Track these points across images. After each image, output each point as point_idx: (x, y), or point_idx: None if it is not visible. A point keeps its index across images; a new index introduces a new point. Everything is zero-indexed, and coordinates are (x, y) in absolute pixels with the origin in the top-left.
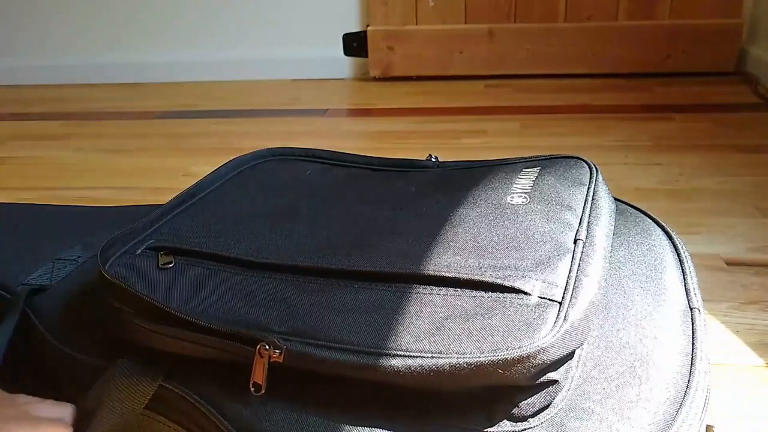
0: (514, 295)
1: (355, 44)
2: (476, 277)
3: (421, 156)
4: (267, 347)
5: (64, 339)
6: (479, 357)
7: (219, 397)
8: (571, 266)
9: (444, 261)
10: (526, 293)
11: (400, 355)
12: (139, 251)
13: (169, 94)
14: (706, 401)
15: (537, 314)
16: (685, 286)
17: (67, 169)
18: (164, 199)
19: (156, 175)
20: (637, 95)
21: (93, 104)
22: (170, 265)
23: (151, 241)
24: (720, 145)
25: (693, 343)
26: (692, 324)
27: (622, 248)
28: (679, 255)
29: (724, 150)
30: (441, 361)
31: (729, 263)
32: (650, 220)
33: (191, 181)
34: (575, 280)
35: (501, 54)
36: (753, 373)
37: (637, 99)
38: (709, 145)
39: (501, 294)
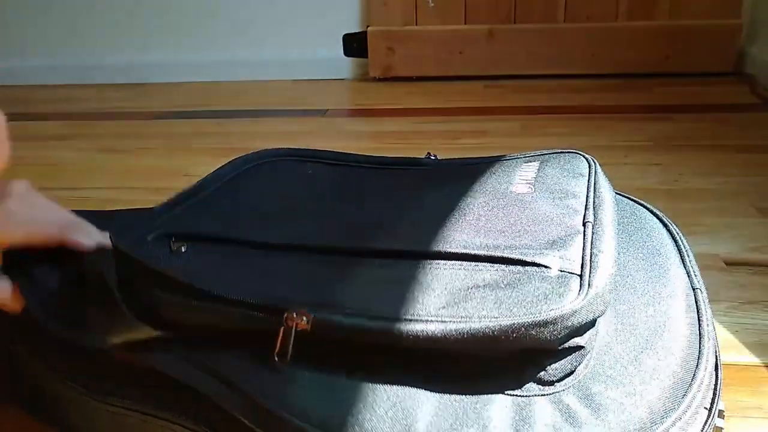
0: (535, 268)
1: (355, 45)
2: (496, 254)
3: (421, 156)
4: (294, 316)
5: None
6: (513, 319)
7: (242, 367)
8: (584, 245)
9: (460, 240)
10: (546, 266)
11: (433, 321)
12: (150, 238)
13: (169, 94)
14: (719, 370)
15: (560, 283)
16: (685, 268)
17: (67, 169)
18: (164, 199)
19: (156, 175)
20: (637, 95)
21: (93, 104)
22: (183, 250)
23: (160, 230)
24: (720, 145)
25: (699, 318)
26: (696, 303)
27: (622, 234)
28: (675, 240)
29: (724, 150)
30: (475, 325)
31: (729, 263)
32: (644, 209)
33: (191, 182)
34: (591, 256)
35: (501, 54)
36: (753, 373)
37: (636, 99)
38: (709, 145)
39: (522, 267)
